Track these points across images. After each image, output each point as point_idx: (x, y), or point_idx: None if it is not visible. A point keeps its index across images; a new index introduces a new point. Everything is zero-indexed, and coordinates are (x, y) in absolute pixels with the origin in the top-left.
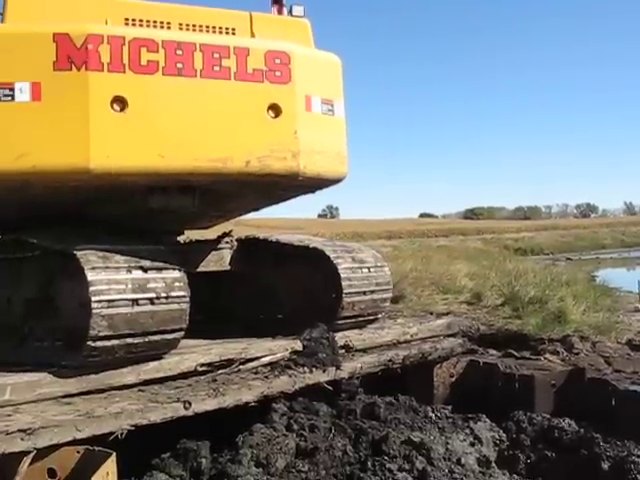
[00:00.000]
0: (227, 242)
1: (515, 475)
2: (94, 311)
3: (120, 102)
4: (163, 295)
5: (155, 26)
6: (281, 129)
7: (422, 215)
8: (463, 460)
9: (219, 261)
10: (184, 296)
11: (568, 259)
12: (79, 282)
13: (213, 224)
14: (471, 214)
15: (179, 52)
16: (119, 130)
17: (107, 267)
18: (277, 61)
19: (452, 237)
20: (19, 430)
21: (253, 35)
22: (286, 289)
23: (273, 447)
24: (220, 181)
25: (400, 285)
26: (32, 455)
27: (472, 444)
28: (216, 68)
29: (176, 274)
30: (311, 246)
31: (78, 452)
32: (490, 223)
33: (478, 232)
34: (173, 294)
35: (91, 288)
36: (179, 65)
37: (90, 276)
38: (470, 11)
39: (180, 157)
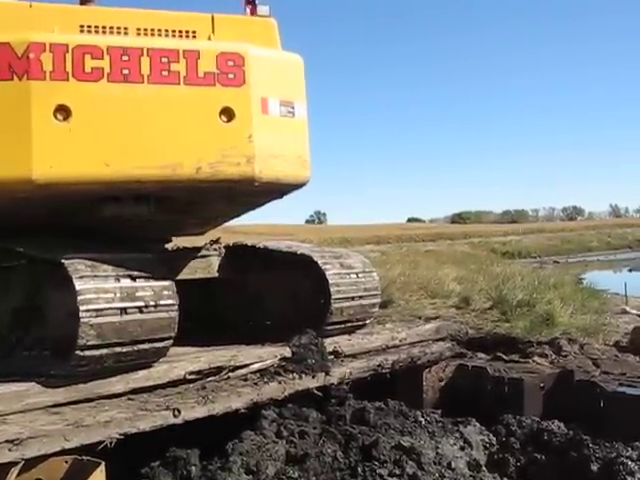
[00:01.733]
0: (215, 249)
1: (505, 478)
2: (82, 320)
3: (63, 111)
4: (152, 303)
5: (112, 32)
6: (234, 133)
7: (410, 220)
8: (453, 464)
9: (207, 268)
10: (173, 304)
11: (555, 262)
12: (67, 291)
13: (200, 232)
14: (458, 218)
15: (125, 58)
16: (63, 140)
17: (95, 276)
18: (230, 63)
19: (440, 241)
20: (6, 441)
21: (211, 38)
22: (274, 296)
23: (263, 454)
24: (171, 188)
25: (388, 290)
26: (20, 466)
27: (462, 448)
28: (164, 73)
29: (164, 282)
30: (299, 252)
31: (66, 462)
32: (477, 227)
33: (465, 236)
34: (162, 302)
35: (79, 297)
36: (125, 71)
37: (78, 285)
38: (460, 11)
39: (126, 165)
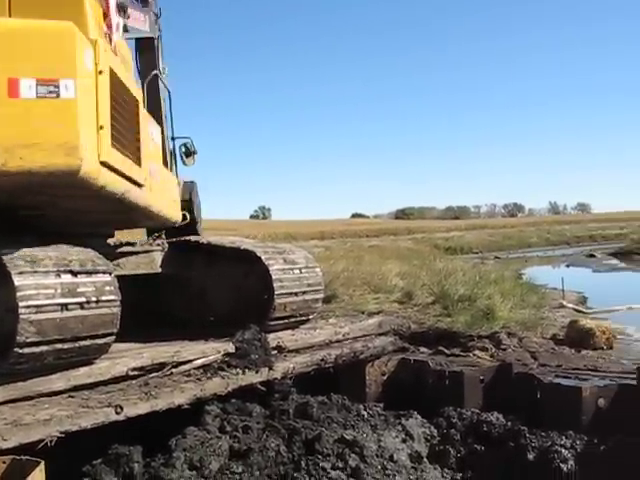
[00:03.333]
0: (158, 244)
1: (446, 469)
2: (22, 317)
3: None
4: (93, 299)
5: None
6: None
7: (354, 215)
8: (395, 456)
9: (150, 263)
10: (115, 300)
11: (496, 257)
12: (6, 287)
13: (146, 226)
14: (402, 214)
15: None
16: None
17: (35, 271)
18: None
19: (383, 237)
20: None
21: (10, 14)
22: (218, 291)
23: (206, 449)
24: None
25: (332, 285)
26: None
27: (404, 440)
28: None
29: (106, 278)
30: (242, 247)
31: (4, 462)
32: (421, 223)
33: (409, 232)
34: (103, 298)
35: (18, 293)
36: None
37: (17, 281)
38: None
39: None
